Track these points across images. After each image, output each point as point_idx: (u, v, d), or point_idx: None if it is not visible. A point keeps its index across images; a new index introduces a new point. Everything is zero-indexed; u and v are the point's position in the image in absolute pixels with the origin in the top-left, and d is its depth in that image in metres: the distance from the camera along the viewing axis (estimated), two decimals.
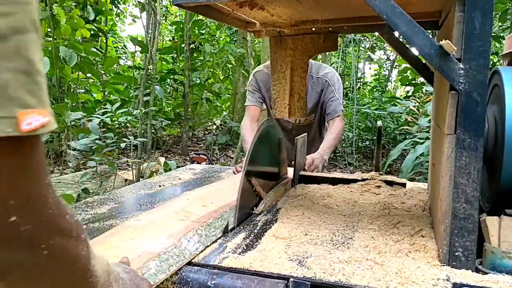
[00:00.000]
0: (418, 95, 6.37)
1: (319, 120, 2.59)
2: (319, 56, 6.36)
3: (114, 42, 9.65)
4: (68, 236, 0.49)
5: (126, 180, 4.61)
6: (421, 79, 6.30)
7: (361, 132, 7.28)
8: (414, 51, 1.88)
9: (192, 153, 5.34)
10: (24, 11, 0.38)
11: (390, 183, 1.90)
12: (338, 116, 2.46)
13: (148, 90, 5.90)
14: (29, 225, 0.42)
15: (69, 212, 0.49)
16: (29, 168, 0.42)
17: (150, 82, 5.96)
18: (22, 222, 0.42)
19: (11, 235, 0.42)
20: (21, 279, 0.45)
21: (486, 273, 1.02)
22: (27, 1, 0.39)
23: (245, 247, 1.16)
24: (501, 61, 1.87)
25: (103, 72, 6.42)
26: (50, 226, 0.46)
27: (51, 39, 4.72)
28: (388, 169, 5.75)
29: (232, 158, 6.44)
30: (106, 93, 6.78)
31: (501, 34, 6.29)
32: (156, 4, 5.84)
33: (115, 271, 0.64)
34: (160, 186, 1.92)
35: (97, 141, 4.04)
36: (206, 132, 8.36)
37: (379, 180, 1.91)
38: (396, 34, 1.79)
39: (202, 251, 1.12)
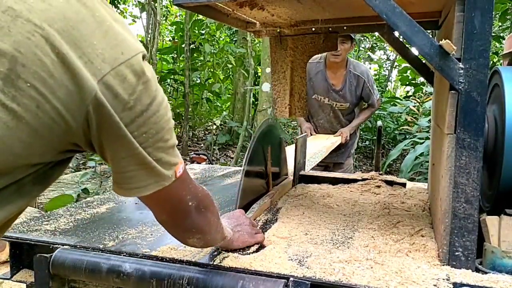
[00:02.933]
0: (418, 95, 6.37)
1: (352, 106, 3.31)
2: None
3: None
4: (208, 197, 0.94)
5: None
6: (421, 79, 6.31)
7: (361, 132, 7.28)
8: (414, 51, 1.88)
9: (192, 153, 5.33)
10: (171, 119, 0.74)
11: (390, 183, 1.90)
12: (373, 105, 3.36)
13: None
14: (195, 201, 0.86)
15: (206, 192, 0.93)
16: (187, 181, 0.83)
17: None
18: (193, 202, 0.86)
19: (190, 209, 0.86)
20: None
21: (486, 273, 1.02)
22: (169, 113, 0.73)
23: (245, 247, 1.16)
24: (501, 61, 1.87)
25: None
26: (203, 199, 0.91)
27: None
28: (388, 169, 5.75)
29: (232, 158, 6.44)
30: None
31: (501, 34, 6.30)
32: (156, 4, 5.84)
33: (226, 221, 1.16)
34: None
35: None
36: (206, 132, 8.36)
37: (379, 180, 1.91)
38: (396, 34, 1.79)
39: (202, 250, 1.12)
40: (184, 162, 0.81)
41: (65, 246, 1.14)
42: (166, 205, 0.82)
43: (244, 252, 1.12)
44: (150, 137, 0.68)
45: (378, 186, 1.86)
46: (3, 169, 0.61)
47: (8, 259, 1.27)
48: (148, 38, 6.79)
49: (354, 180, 1.94)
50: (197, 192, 0.88)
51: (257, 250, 1.13)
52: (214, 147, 7.01)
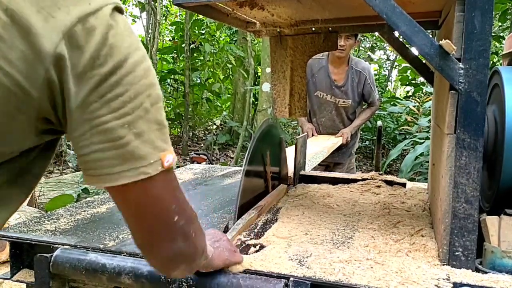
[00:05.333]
0: (418, 95, 6.37)
1: (354, 104, 3.29)
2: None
3: None
4: (196, 219, 0.75)
5: None
6: (421, 79, 6.30)
7: (361, 132, 7.27)
8: (414, 50, 1.88)
9: (192, 153, 5.34)
10: (155, 90, 0.60)
11: (390, 183, 1.90)
12: (374, 104, 3.33)
13: None
14: (183, 219, 0.68)
15: (195, 213, 0.75)
16: (176, 186, 0.66)
17: None
18: (181, 218, 0.67)
19: (177, 228, 0.67)
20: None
21: (486, 273, 1.02)
22: (155, 82, 0.60)
23: (245, 247, 1.16)
24: (501, 61, 1.87)
25: None
26: (191, 218, 0.72)
27: None
28: (388, 169, 5.76)
29: (232, 158, 6.44)
30: None
31: (501, 34, 6.29)
32: (156, 4, 5.84)
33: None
34: None
35: None
36: (207, 132, 8.36)
37: (379, 180, 1.91)
38: (396, 34, 1.79)
39: None
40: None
41: (65, 246, 1.14)
42: (145, 212, 0.63)
43: (244, 252, 1.12)
44: (127, 102, 0.56)
45: (378, 186, 1.86)
46: None
47: (8, 259, 1.27)
48: (148, 38, 6.79)
49: (354, 180, 1.94)
50: (186, 207, 0.70)
51: (257, 250, 1.13)
52: (214, 147, 7.01)
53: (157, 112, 0.60)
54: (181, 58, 7.48)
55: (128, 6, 9.22)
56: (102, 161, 0.57)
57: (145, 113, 0.58)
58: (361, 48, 8.96)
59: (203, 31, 7.32)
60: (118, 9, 0.57)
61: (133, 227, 0.67)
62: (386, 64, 10.12)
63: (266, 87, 5.50)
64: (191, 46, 6.99)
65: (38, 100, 0.54)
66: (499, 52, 5.19)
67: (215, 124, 7.83)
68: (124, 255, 1.10)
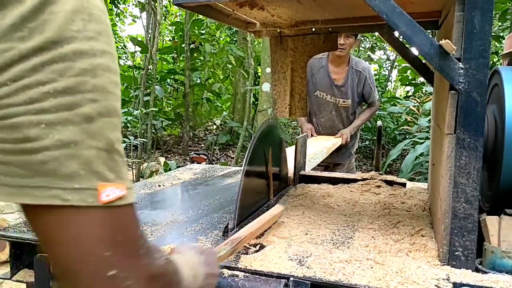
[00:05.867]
0: (418, 95, 6.37)
1: (354, 104, 3.27)
2: None
3: (114, 42, 9.64)
4: (162, 277, 0.52)
5: None
6: (421, 79, 6.30)
7: (361, 132, 7.28)
8: (414, 50, 1.88)
9: (192, 153, 5.34)
10: (108, 100, 0.44)
11: (390, 183, 1.90)
12: (373, 104, 3.32)
13: (148, 90, 5.91)
14: (130, 280, 0.45)
15: (158, 252, 0.53)
16: (119, 227, 0.46)
17: (150, 82, 5.97)
18: (123, 276, 0.44)
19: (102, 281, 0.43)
20: None
21: (486, 273, 1.02)
22: (112, 91, 0.45)
23: (245, 247, 1.16)
24: (501, 61, 1.87)
25: None
26: (150, 276, 0.48)
27: None
28: (388, 169, 5.75)
29: (233, 158, 6.44)
30: None
31: (501, 34, 6.29)
32: (156, 4, 5.85)
33: (191, 265, 0.68)
34: (160, 186, 1.92)
35: None
36: (207, 132, 8.36)
37: (379, 180, 1.91)
38: (396, 34, 1.79)
39: None
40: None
41: None
42: (64, 258, 0.44)
43: (244, 252, 1.12)
44: (49, 95, 0.41)
45: (378, 186, 1.87)
46: None
47: (8, 259, 1.27)
48: (148, 38, 6.79)
49: (354, 180, 1.94)
50: (137, 264, 0.47)
51: (257, 250, 1.13)
52: (215, 147, 7.01)
53: (106, 128, 0.44)
54: (181, 58, 7.49)
55: (128, 6, 9.23)
56: (1, 167, 0.41)
57: (81, 120, 0.42)
58: (361, 48, 8.96)
59: (203, 31, 7.32)
60: None
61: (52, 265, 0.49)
62: (386, 64, 10.13)
63: (266, 87, 5.51)
64: (191, 46, 6.99)
65: None
66: (499, 52, 5.18)
67: (215, 124, 7.84)
68: None
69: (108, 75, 0.45)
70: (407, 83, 7.47)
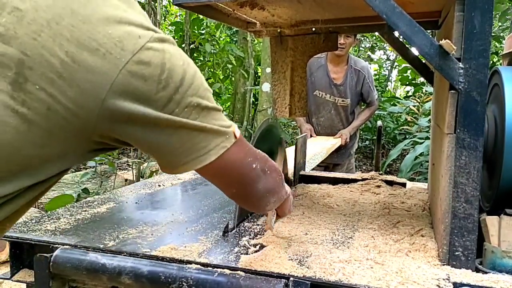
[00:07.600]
0: (418, 95, 6.37)
1: (353, 103, 3.29)
2: None
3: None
4: (268, 158, 0.91)
5: (126, 180, 4.61)
6: (421, 79, 6.30)
7: (361, 132, 7.28)
8: (414, 50, 1.88)
9: None
10: (206, 86, 0.72)
11: (390, 183, 1.90)
12: (372, 104, 3.33)
13: None
14: (258, 163, 0.83)
15: (263, 153, 0.89)
16: (249, 146, 0.83)
17: None
18: (256, 164, 0.83)
19: (257, 172, 0.84)
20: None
21: (486, 273, 1.02)
22: (203, 82, 0.73)
23: (245, 247, 1.16)
24: (501, 61, 1.87)
25: None
26: (263, 160, 0.88)
27: None
28: (387, 169, 5.76)
29: None
30: None
31: (501, 34, 6.29)
32: (156, 4, 5.84)
33: None
34: (160, 186, 1.92)
35: None
36: None
37: (379, 179, 1.91)
38: (396, 34, 1.80)
39: (202, 250, 1.12)
40: None
41: (65, 246, 1.14)
42: (232, 173, 0.79)
43: (244, 252, 1.12)
44: (193, 109, 0.67)
45: (378, 186, 1.87)
46: (14, 169, 0.60)
47: (8, 259, 1.27)
48: None
49: (354, 180, 1.94)
50: (256, 153, 0.85)
51: (257, 250, 1.13)
52: None
53: (214, 105, 0.72)
54: None
55: None
56: (191, 149, 0.69)
57: (207, 112, 0.70)
58: (361, 48, 8.96)
59: (203, 31, 7.32)
60: (161, 39, 0.65)
61: (223, 187, 0.84)
62: (386, 64, 10.13)
63: (266, 87, 5.51)
64: (191, 46, 6.98)
65: (94, 126, 0.62)
66: (499, 52, 5.18)
67: None
68: (124, 255, 1.10)
69: (199, 74, 0.73)
70: (407, 83, 7.47)
